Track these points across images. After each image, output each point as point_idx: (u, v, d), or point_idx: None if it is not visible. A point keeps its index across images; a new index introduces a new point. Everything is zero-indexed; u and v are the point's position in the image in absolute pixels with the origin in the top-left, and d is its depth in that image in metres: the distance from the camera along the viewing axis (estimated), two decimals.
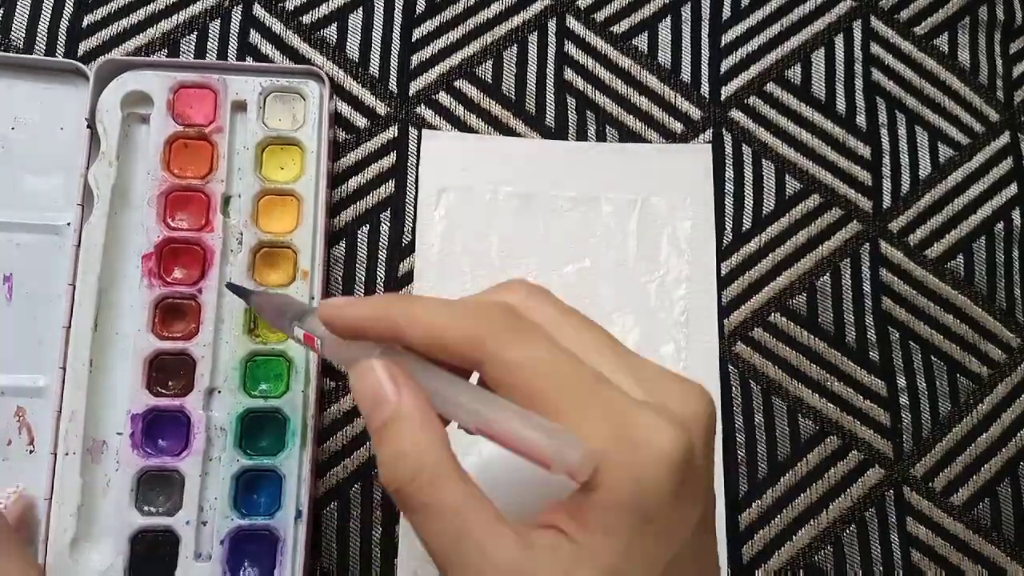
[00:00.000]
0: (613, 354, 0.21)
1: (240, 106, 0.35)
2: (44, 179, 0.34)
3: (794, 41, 0.40)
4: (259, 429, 0.32)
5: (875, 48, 0.41)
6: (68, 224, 0.34)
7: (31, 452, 0.32)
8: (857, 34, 0.41)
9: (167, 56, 0.38)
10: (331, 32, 0.39)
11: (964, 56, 0.41)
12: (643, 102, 0.39)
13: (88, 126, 0.34)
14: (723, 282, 0.37)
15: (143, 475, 0.31)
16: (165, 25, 0.38)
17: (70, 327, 0.32)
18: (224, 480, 0.31)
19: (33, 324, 0.33)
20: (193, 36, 0.38)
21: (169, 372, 0.32)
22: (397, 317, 0.21)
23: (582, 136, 0.38)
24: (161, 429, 0.32)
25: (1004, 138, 0.40)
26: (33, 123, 0.35)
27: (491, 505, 0.20)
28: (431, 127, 0.38)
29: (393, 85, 0.38)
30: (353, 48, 0.38)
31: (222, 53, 0.38)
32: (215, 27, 0.38)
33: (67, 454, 0.31)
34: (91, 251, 0.33)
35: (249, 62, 0.36)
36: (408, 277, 0.36)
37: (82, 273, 0.32)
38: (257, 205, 0.34)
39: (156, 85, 0.34)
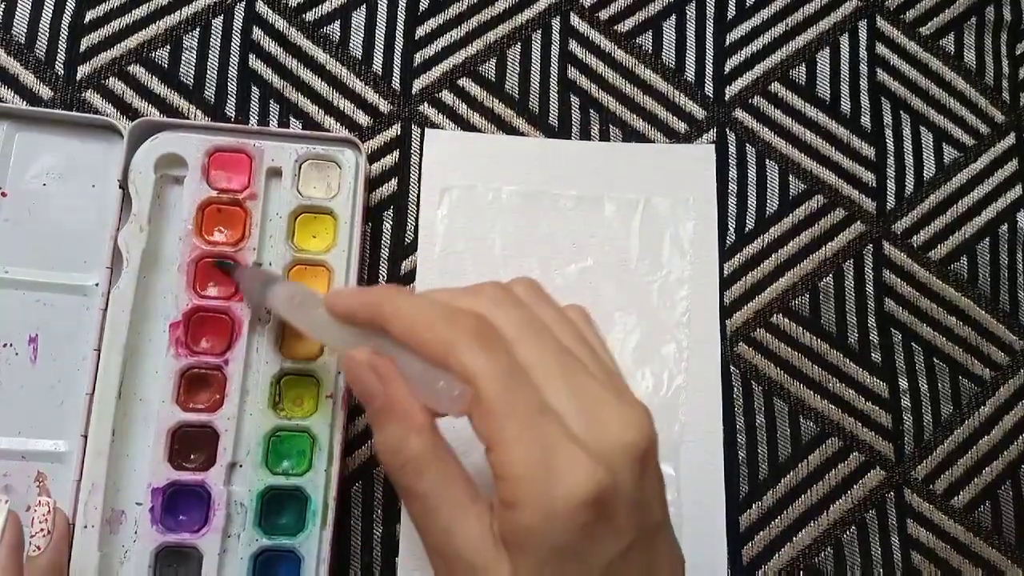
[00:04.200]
0: (561, 376, 0.23)
1: (275, 172, 0.34)
2: (74, 237, 0.34)
3: (799, 41, 0.40)
4: (279, 506, 0.32)
5: (880, 48, 0.41)
6: (96, 285, 0.33)
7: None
8: (862, 34, 0.41)
9: (168, 58, 0.37)
10: (334, 29, 0.38)
11: (970, 57, 0.41)
12: (647, 101, 0.39)
13: (120, 187, 0.33)
14: (725, 283, 0.37)
15: (161, 550, 0.31)
16: (168, 21, 0.38)
17: (93, 393, 0.31)
18: (243, 560, 0.31)
19: (56, 386, 0.33)
20: (196, 32, 0.38)
21: (191, 444, 0.32)
22: (385, 309, 0.24)
23: (585, 135, 0.38)
24: (181, 503, 0.31)
25: (1009, 139, 0.40)
26: (65, 180, 0.34)
27: (463, 489, 0.23)
28: (434, 125, 0.38)
29: (396, 83, 0.38)
30: (356, 46, 0.38)
31: (224, 50, 0.38)
32: (218, 23, 0.38)
33: (86, 527, 0.30)
34: (118, 316, 0.32)
35: (286, 128, 0.35)
36: (410, 276, 0.36)
37: (108, 339, 0.32)
38: (288, 275, 0.34)
39: (191, 148, 0.34)
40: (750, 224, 0.38)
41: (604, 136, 0.38)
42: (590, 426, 0.22)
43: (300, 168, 0.34)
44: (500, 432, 0.21)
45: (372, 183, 0.37)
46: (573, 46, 0.39)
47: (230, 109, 0.37)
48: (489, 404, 0.21)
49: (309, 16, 0.38)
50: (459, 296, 0.24)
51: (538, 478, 0.21)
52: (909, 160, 0.39)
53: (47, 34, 0.37)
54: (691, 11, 0.40)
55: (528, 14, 0.39)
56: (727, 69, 0.40)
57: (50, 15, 0.37)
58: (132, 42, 0.37)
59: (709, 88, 0.39)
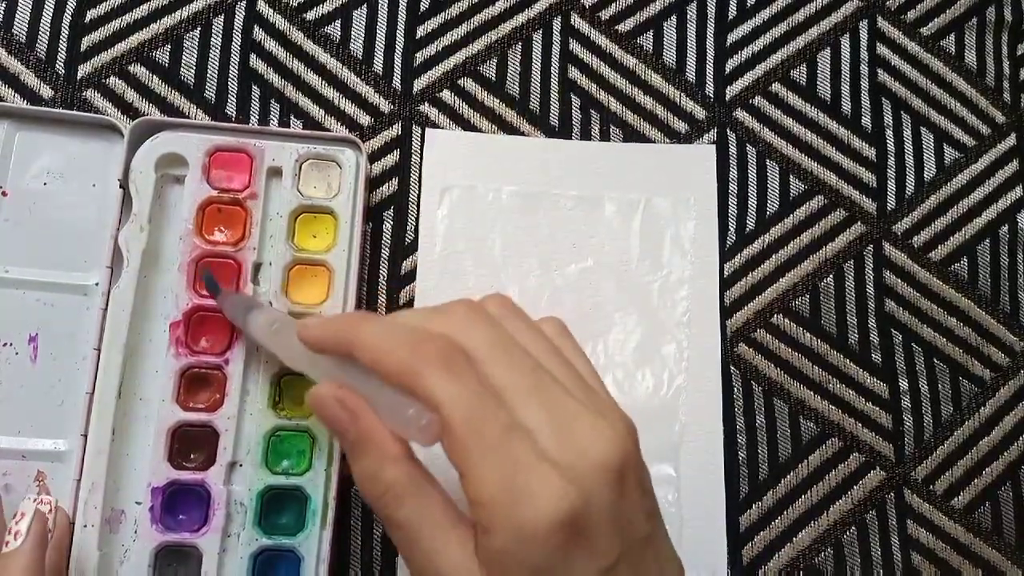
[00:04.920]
0: (534, 394, 0.22)
1: (275, 172, 0.34)
2: (74, 237, 0.34)
3: (800, 41, 0.40)
4: (279, 506, 0.32)
5: (881, 49, 0.40)
6: (96, 284, 0.33)
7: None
8: (863, 35, 0.40)
9: (168, 57, 0.37)
10: (335, 29, 0.38)
11: (971, 57, 0.41)
12: (647, 101, 0.39)
13: (121, 186, 0.33)
14: (726, 283, 0.37)
15: (160, 550, 0.31)
16: (168, 21, 0.38)
17: (93, 393, 0.31)
18: (242, 559, 0.31)
19: (56, 385, 0.33)
20: (196, 32, 0.38)
21: (191, 444, 0.32)
22: (351, 337, 0.24)
23: (586, 135, 0.38)
24: (181, 503, 0.31)
25: (1010, 140, 0.40)
26: (65, 179, 0.34)
27: (444, 513, 0.23)
28: (435, 125, 0.38)
29: (397, 83, 0.38)
30: (357, 45, 0.38)
31: (225, 49, 0.38)
32: (218, 23, 0.38)
33: (86, 526, 0.30)
34: (118, 316, 0.32)
35: (286, 128, 0.35)
36: (410, 276, 0.36)
37: (108, 339, 0.32)
38: (288, 274, 0.34)
39: (191, 147, 0.34)
40: (750, 224, 0.38)
41: (604, 136, 0.38)
42: (563, 444, 0.21)
43: (300, 168, 0.34)
44: (468, 457, 0.21)
45: (372, 183, 0.37)
46: (574, 46, 0.39)
47: (231, 109, 0.37)
48: (456, 430, 0.21)
49: (310, 16, 0.38)
50: (428, 317, 0.24)
51: (507, 501, 0.20)
52: (910, 161, 0.39)
53: (48, 33, 0.37)
54: (692, 11, 0.40)
55: (529, 14, 0.39)
56: (728, 69, 0.40)
57: (51, 14, 0.37)
58: (133, 41, 0.37)
59: (710, 88, 0.39)
